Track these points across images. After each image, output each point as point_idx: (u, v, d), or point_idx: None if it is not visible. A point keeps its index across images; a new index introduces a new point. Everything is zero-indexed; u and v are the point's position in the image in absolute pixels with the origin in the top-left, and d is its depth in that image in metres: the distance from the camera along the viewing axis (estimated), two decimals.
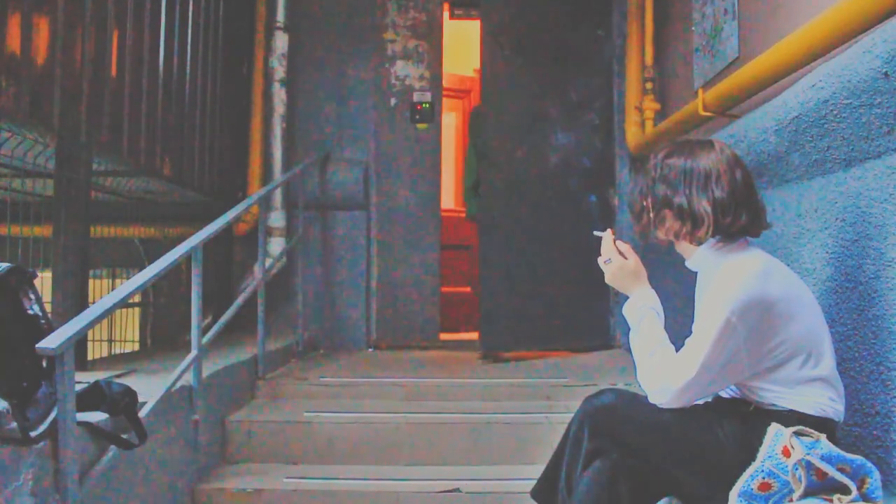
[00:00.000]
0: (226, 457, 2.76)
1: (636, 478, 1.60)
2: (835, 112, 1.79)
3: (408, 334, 4.44)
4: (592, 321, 4.10)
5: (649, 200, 1.69)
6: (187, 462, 2.45)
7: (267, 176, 4.21)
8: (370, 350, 4.36)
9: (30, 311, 1.74)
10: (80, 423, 1.78)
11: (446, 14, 4.83)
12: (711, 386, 1.57)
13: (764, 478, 1.41)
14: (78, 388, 1.81)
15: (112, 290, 2.94)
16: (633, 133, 3.77)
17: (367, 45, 4.52)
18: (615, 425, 1.61)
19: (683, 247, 1.71)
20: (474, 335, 4.71)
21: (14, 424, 1.58)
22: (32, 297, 1.76)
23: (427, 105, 4.52)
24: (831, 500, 1.39)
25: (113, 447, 1.92)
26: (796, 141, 2.00)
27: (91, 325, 1.85)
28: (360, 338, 4.38)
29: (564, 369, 3.50)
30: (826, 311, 1.70)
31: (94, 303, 2.07)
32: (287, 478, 2.55)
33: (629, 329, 1.71)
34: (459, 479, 2.49)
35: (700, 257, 1.68)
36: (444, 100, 4.81)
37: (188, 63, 3.50)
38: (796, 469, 1.39)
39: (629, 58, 3.79)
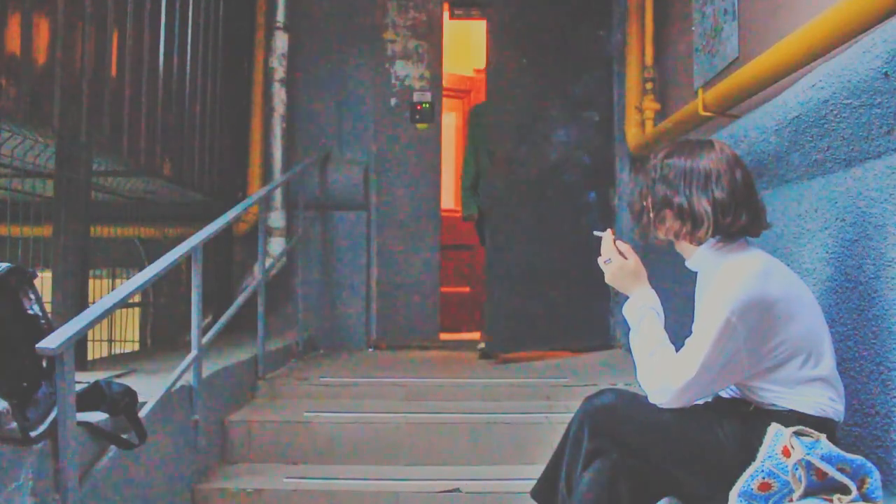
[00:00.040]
0: (226, 457, 2.76)
1: (636, 478, 1.60)
2: (835, 112, 1.79)
3: (408, 334, 4.44)
4: (592, 321, 4.10)
5: (649, 200, 1.69)
6: (187, 462, 2.45)
7: (267, 176, 4.21)
8: (370, 350, 4.36)
9: (30, 311, 1.74)
10: (80, 423, 1.78)
11: (446, 14, 4.83)
12: (711, 386, 1.57)
13: (764, 478, 1.41)
14: (78, 388, 1.81)
15: (112, 290, 2.94)
16: (633, 133, 3.77)
17: (367, 45, 4.52)
18: (615, 425, 1.61)
19: (683, 247, 1.71)
20: (474, 335, 4.72)
21: (14, 424, 1.58)
22: (32, 297, 1.76)
23: (427, 105, 4.52)
24: (831, 500, 1.39)
25: (113, 447, 1.92)
26: (796, 141, 2.00)
27: (91, 325, 1.85)
28: (360, 338, 4.38)
29: (564, 369, 3.50)
30: (826, 311, 1.70)
31: (94, 303, 2.07)
32: (287, 478, 2.55)
33: (629, 329, 1.71)
34: (459, 479, 2.49)
35: (700, 257, 1.68)
36: (444, 100, 4.82)
37: (188, 63, 3.50)
38: (796, 469, 1.39)
39: (629, 58, 3.79)
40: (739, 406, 1.61)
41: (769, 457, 1.41)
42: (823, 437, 1.43)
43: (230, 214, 2.92)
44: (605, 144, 4.18)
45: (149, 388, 2.24)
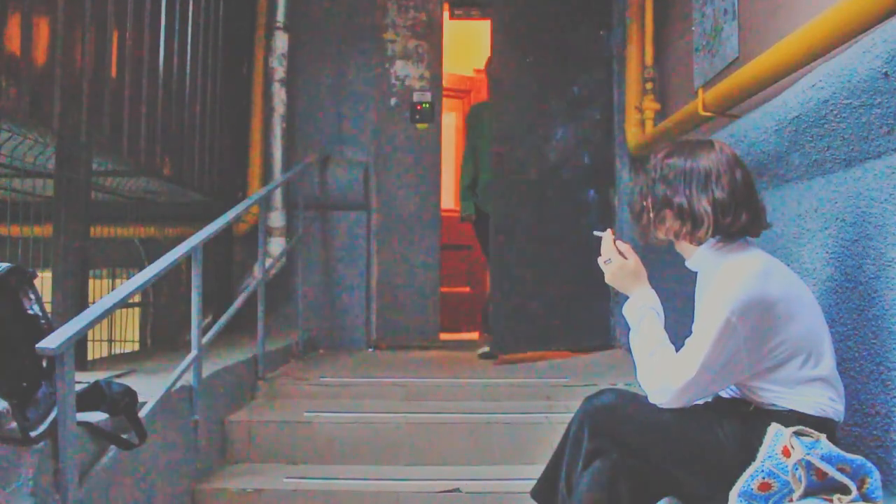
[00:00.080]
0: (226, 457, 2.76)
1: (636, 478, 1.60)
2: (835, 112, 1.79)
3: (408, 334, 4.44)
4: (593, 321, 4.10)
5: (649, 200, 1.69)
6: (187, 462, 2.45)
7: (267, 176, 4.21)
8: (370, 350, 4.36)
9: (30, 311, 1.74)
10: (80, 423, 1.78)
11: (446, 14, 4.83)
12: (711, 386, 1.57)
13: (764, 478, 1.41)
14: (78, 388, 1.81)
15: (112, 290, 2.94)
16: (633, 133, 3.77)
17: (367, 45, 4.52)
18: (615, 425, 1.61)
19: (683, 247, 1.71)
20: (474, 335, 4.72)
21: (14, 424, 1.58)
22: (32, 297, 1.76)
23: (427, 105, 4.52)
24: (831, 500, 1.39)
25: (113, 447, 1.92)
26: (796, 141, 2.00)
27: (91, 325, 1.85)
28: (360, 338, 4.38)
29: (564, 369, 3.50)
30: (826, 311, 1.70)
31: (94, 303, 2.07)
32: (287, 478, 2.55)
33: (629, 329, 1.71)
34: (459, 479, 2.49)
35: (700, 257, 1.69)
36: (444, 100, 4.82)
37: (188, 63, 3.50)
38: (796, 469, 1.39)
39: (629, 58, 3.79)
40: (739, 406, 1.61)
41: (769, 457, 1.41)
42: (823, 437, 1.43)
43: (230, 214, 2.92)
44: (605, 144, 4.18)
45: (149, 388, 2.24)
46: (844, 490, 1.39)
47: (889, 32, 1.57)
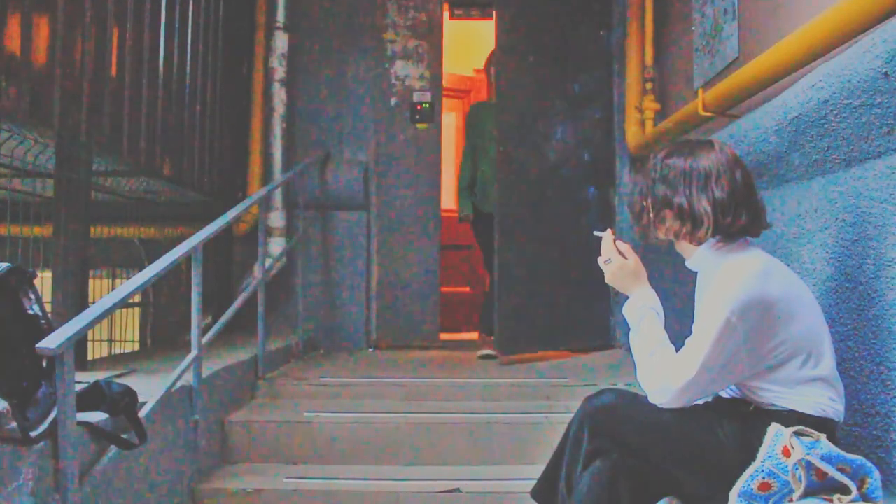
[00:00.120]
0: (226, 457, 2.75)
1: (636, 478, 1.60)
2: (835, 112, 1.79)
3: (408, 334, 4.44)
4: (593, 321, 4.10)
5: (649, 200, 1.69)
6: (187, 462, 2.45)
7: (267, 176, 4.21)
8: (370, 350, 4.36)
9: (30, 311, 1.74)
10: (80, 423, 1.78)
11: (446, 14, 4.83)
12: (711, 386, 1.57)
13: (764, 478, 1.41)
14: (78, 388, 1.81)
15: (112, 290, 2.94)
16: (633, 133, 3.77)
17: (367, 45, 4.52)
18: (615, 425, 1.61)
19: (683, 247, 1.71)
20: (474, 335, 4.72)
21: (14, 424, 1.58)
22: (32, 297, 1.76)
23: (427, 105, 4.52)
24: (831, 500, 1.39)
25: (113, 447, 1.92)
26: (796, 141, 2.00)
27: (91, 325, 1.85)
28: (360, 338, 4.38)
29: (564, 369, 3.50)
30: (826, 311, 1.70)
31: (94, 303, 2.07)
32: (287, 478, 2.55)
33: (629, 329, 1.71)
34: (459, 479, 2.49)
35: (700, 257, 1.69)
36: (444, 100, 4.81)
37: (188, 63, 3.50)
38: (796, 469, 1.39)
39: (629, 58, 3.79)
40: (739, 406, 1.61)
41: (769, 457, 1.42)
42: (823, 437, 1.43)
43: (230, 214, 2.92)
44: (605, 144, 4.18)
45: (149, 388, 2.24)
46: (844, 490, 1.39)
47: (889, 32, 1.57)
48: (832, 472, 1.39)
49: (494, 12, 3.94)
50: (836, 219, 1.82)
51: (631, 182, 3.88)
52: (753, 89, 2.33)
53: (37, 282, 1.79)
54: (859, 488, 1.40)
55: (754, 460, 1.43)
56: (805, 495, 1.39)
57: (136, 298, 3.88)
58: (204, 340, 2.59)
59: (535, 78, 3.97)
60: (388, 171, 4.50)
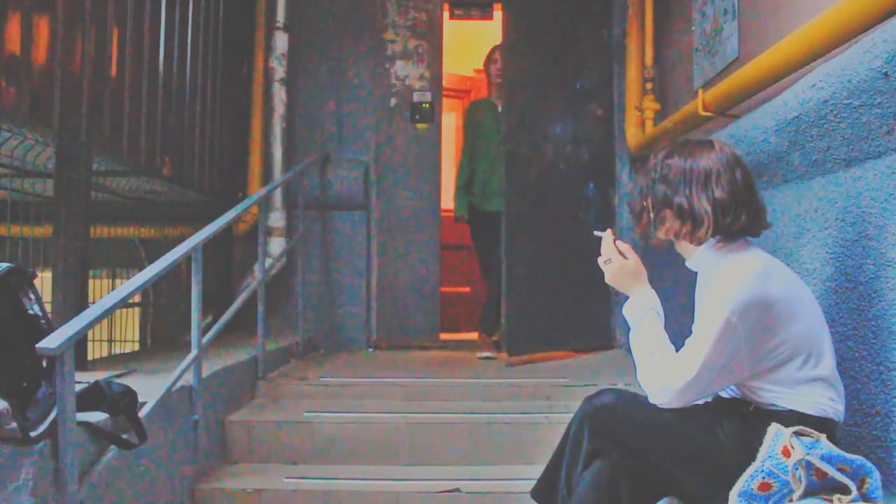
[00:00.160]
0: (226, 457, 2.76)
1: (636, 478, 1.60)
2: (835, 112, 1.79)
3: (408, 334, 4.44)
4: (593, 321, 4.10)
5: (649, 200, 1.69)
6: (187, 462, 2.45)
7: (267, 176, 4.21)
8: (370, 350, 4.36)
9: (30, 311, 1.74)
10: (80, 423, 1.78)
11: (446, 14, 4.83)
12: (711, 386, 1.57)
13: (764, 478, 1.41)
14: (78, 388, 1.81)
15: (112, 290, 2.94)
16: (633, 133, 3.77)
17: (367, 45, 4.52)
18: (615, 425, 1.61)
19: (683, 247, 1.71)
20: (474, 335, 4.71)
21: (14, 424, 1.58)
22: (32, 297, 1.76)
23: (427, 105, 4.52)
24: (831, 500, 1.39)
25: (113, 447, 1.92)
26: (796, 141, 2.00)
27: (91, 325, 1.85)
28: (360, 338, 4.38)
29: (564, 369, 3.50)
30: (826, 311, 1.70)
31: (94, 303, 2.07)
32: (287, 478, 2.55)
33: (629, 329, 1.71)
34: (459, 479, 2.49)
35: (700, 257, 1.69)
36: (444, 100, 4.81)
37: (188, 63, 3.50)
38: (796, 469, 1.39)
39: (629, 58, 3.79)
40: (739, 406, 1.61)
41: (769, 457, 1.41)
42: (823, 437, 1.43)
43: (230, 214, 2.92)
44: (605, 144, 4.17)
45: (149, 388, 2.24)
46: (844, 490, 1.39)
47: (889, 32, 1.57)
48: (832, 472, 1.39)
49: (501, 11, 3.93)
50: (836, 219, 1.82)
51: (631, 182, 3.88)
52: (753, 89, 2.33)
53: (37, 282, 1.79)
54: (859, 488, 1.40)
55: (754, 460, 1.43)
56: (805, 495, 1.39)
57: (136, 298, 3.88)
58: (204, 340, 2.59)
59: (536, 77, 3.96)
60: (388, 171, 4.50)
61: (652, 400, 1.58)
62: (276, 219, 4.14)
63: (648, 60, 3.64)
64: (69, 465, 1.69)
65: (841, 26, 1.78)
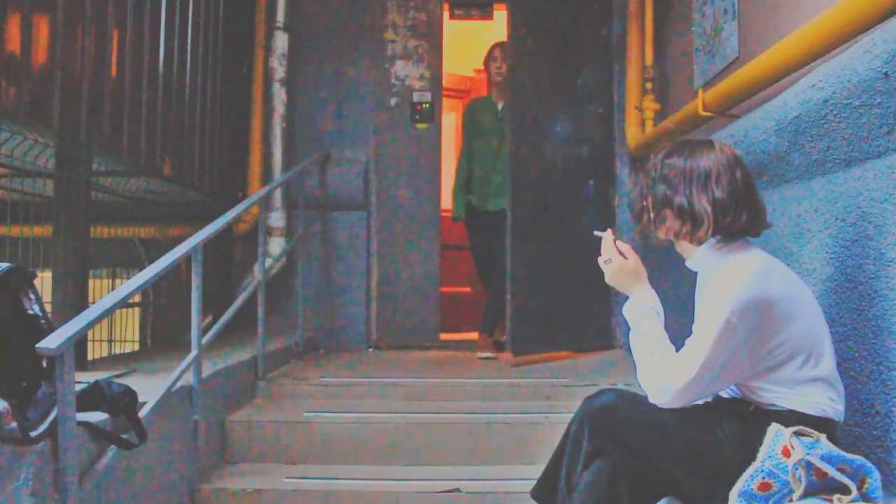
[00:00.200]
0: (226, 457, 2.76)
1: (636, 478, 1.60)
2: (835, 112, 1.79)
3: (408, 334, 4.44)
4: (593, 321, 4.10)
5: (649, 200, 1.69)
6: (187, 462, 2.45)
7: (267, 176, 4.21)
8: (370, 350, 4.36)
9: (30, 311, 1.74)
10: (80, 423, 1.78)
11: (446, 14, 4.83)
12: (711, 386, 1.57)
13: (764, 478, 1.41)
14: (78, 388, 1.81)
15: (112, 290, 2.94)
16: (633, 133, 3.77)
17: (367, 45, 4.52)
18: (615, 425, 1.61)
19: (683, 247, 1.71)
20: (474, 335, 4.71)
21: (14, 424, 1.58)
22: (32, 297, 1.76)
23: (427, 105, 4.52)
24: (831, 500, 1.39)
25: (113, 447, 1.92)
26: (796, 141, 2.00)
27: (91, 325, 1.85)
28: (360, 338, 4.38)
29: (564, 369, 3.50)
30: (826, 311, 1.70)
31: (94, 303, 2.07)
32: (287, 478, 2.55)
33: (629, 329, 1.71)
34: (459, 479, 2.49)
35: (700, 257, 1.69)
36: (444, 100, 4.81)
37: (188, 63, 3.50)
38: (796, 469, 1.39)
39: (629, 58, 3.79)
40: (739, 406, 1.61)
41: (769, 457, 1.42)
42: (823, 437, 1.43)
43: (230, 214, 2.92)
44: (605, 144, 4.17)
45: (149, 388, 2.23)
46: (844, 490, 1.39)
47: (889, 32, 1.57)
48: (832, 472, 1.39)
49: (505, 10, 3.93)
50: (836, 219, 1.82)
51: (631, 182, 3.88)
52: (753, 89, 2.33)
53: (37, 282, 1.79)
54: (859, 488, 1.40)
55: (754, 460, 1.43)
56: (805, 495, 1.39)
57: (136, 298, 3.88)
58: (204, 340, 2.59)
59: (537, 77, 3.96)
60: (388, 171, 4.50)
61: (652, 400, 1.58)
62: (276, 219, 4.14)
63: (648, 60, 3.64)
64: (69, 465, 1.69)
65: (841, 26, 1.78)
